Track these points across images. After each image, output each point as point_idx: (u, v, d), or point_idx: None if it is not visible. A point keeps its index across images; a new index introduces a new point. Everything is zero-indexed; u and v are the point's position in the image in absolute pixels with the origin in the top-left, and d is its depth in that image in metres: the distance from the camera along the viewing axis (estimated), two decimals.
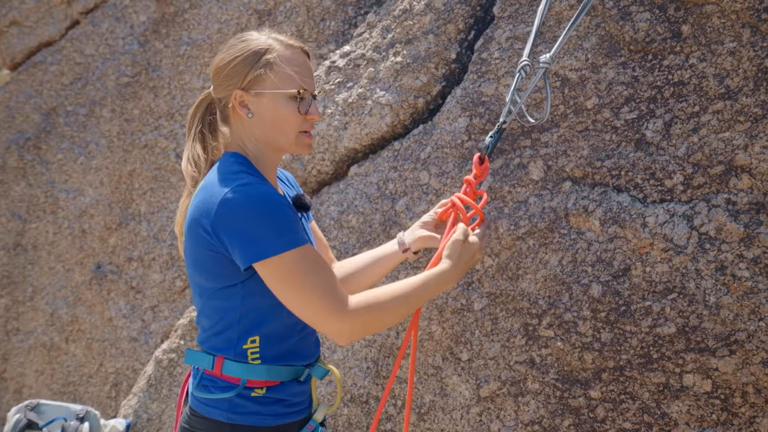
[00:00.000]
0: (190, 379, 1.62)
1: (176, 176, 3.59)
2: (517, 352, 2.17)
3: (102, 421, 3.18)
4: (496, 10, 2.37)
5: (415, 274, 2.39)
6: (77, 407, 3.17)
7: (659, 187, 2.00)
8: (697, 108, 1.96)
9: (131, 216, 3.73)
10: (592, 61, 2.14)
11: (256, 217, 1.39)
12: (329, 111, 2.68)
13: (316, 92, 1.58)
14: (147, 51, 3.80)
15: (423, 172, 2.42)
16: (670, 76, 2.01)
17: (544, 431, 2.12)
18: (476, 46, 2.39)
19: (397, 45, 2.55)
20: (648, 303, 1.97)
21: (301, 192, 1.72)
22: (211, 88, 1.59)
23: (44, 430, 3.09)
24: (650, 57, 2.05)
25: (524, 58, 1.81)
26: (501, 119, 1.79)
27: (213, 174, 1.48)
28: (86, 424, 3.09)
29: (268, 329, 1.51)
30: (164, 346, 3.14)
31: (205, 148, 1.59)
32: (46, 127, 4.17)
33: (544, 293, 2.13)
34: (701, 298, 1.90)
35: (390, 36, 2.59)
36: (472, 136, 2.33)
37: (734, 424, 1.87)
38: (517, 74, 1.81)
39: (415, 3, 2.55)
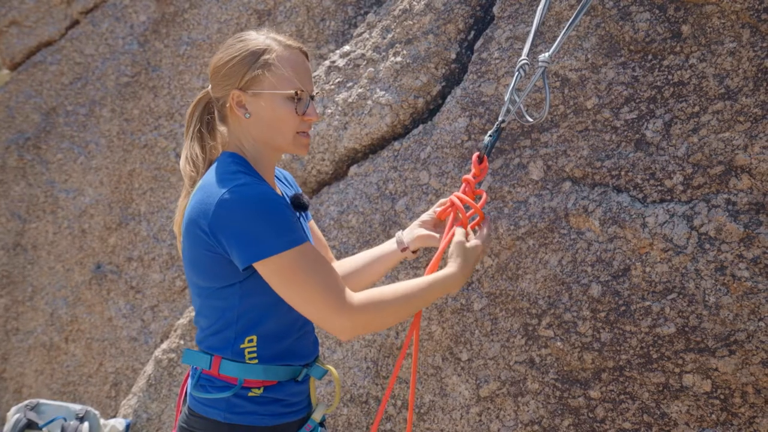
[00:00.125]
0: (189, 379, 1.62)
1: (176, 176, 3.59)
2: (516, 352, 2.17)
3: (102, 421, 3.18)
4: (495, 10, 2.37)
5: (415, 273, 2.39)
6: (77, 407, 3.17)
7: (659, 187, 2.00)
8: (697, 108, 1.96)
9: (131, 216, 3.73)
10: (592, 61, 2.14)
11: (255, 218, 1.39)
12: (329, 111, 2.68)
13: (314, 93, 1.57)
14: (147, 51, 3.80)
15: (423, 172, 2.42)
16: (670, 76, 2.01)
17: (544, 431, 2.12)
18: (476, 46, 2.39)
19: (397, 45, 2.55)
20: (648, 303, 1.97)
21: (300, 191, 1.72)
22: (209, 87, 1.59)
23: (44, 429, 3.09)
24: (650, 57, 2.05)
25: (523, 57, 1.81)
26: (500, 119, 1.79)
27: (211, 174, 1.48)
28: (86, 424, 3.09)
29: (266, 329, 1.51)
30: (164, 345, 3.14)
31: (203, 148, 1.58)
32: (46, 127, 4.17)
33: (543, 293, 2.13)
34: (701, 298, 1.90)
35: (390, 36, 2.59)
36: (472, 136, 2.33)
37: (734, 424, 1.87)
38: (516, 73, 1.81)
39: (414, 3, 2.55)
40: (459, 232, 1.66)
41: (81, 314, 3.86)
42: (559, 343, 2.09)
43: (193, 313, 3.10)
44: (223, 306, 1.49)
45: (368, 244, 2.51)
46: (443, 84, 2.50)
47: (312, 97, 1.56)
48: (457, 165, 2.34)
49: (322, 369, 1.61)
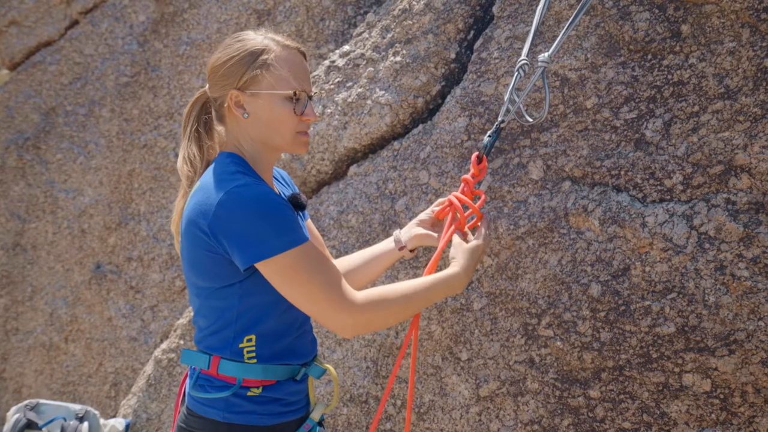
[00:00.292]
0: (187, 379, 1.62)
1: (175, 176, 3.59)
2: (516, 352, 2.17)
3: (101, 421, 3.18)
4: (495, 9, 2.37)
5: (415, 273, 2.39)
6: (77, 407, 3.16)
7: (659, 187, 2.00)
8: (696, 108, 1.96)
9: (131, 216, 3.73)
10: (591, 60, 2.14)
11: (255, 218, 1.39)
12: (329, 111, 2.68)
13: (312, 93, 1.57)
14: (146, 51, 3.80)
15: (422, 171, 2.42)
16: (669, 76, 2.01)
17: (544, 431, 2.12)
18: (476, 46, 2.39)
19: (397, 45, 2.55)
20: (647, 303, 1.97)
21: (297, 191, 1.72)
22: (207, 86, 1.59)
23: (44, 429, 3.09)
24: (650, 57, 2.05)
25: (523, 57, 1.81)
26: (499, 118, 1.79)
27: (209, 175, 1.47)
28: (86, 424, 3.09)
29: (265, 328, 1.51)
30: (163, 345, 3.14)
31: (200, 148, 1.58)
32: (46, 127, 4.17)
33: (543, 293, 2.13)
34: (701, 297, 1.90)
35: (389, 36, 2.59)
36: (472, 136, 2.33)
37: (733, 423, 1.87)
38: (516, 73, 1.81)
39: (414, 3, 2.55)
40: (458, 233, 1.67)
41: (81, 314, 3.86)
42: (558, 343, 2.09)
43: (193, 313, 3.10)
44: (223, 306, 1.49)
45: (368, 243, 2.51)
46: (443, 84, 2.50)
47: (310, 97, 1.56)
48: (457, 165, 2.34)
49: (320, 368, 1.61)
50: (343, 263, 1.83)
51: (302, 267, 1.41)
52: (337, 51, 2.77)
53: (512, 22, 2.31)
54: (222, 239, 1.41)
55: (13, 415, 3.11)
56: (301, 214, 1.69)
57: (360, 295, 1.46)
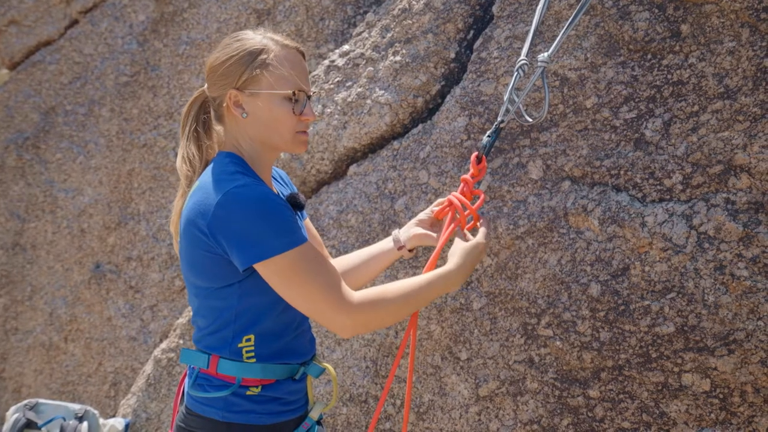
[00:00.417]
0: (186, 378, 1.62)
1: (175, 176, 3.59)
2: (516, 352, 2.17)
3: (101, 421, 3.18)
4: (495, 9, 2.37)
5: (414, 272, 2.39)
6: (76, 406, 3.16)
7: (658, 187, 2.00)
8: (696, 107, 1.96)
9: (130, 215, 3.73)
10: (591, 60, 2.14)
11: (255, 219, 1.39)
12: (328, 110, 2.68)
13: (311, 93, 1.57)
14: (146, 50, 3.80)
15: (422, 171, 2.42)
16: (669, 76, 2.01)
17: (543, 430, 2.12)
18: (475, 46, 2.39)
19: (397, 44, 2.55)
20: (647, 302, 1.97)
21: (296, 190, 1.72)
22: (206, 86, 1.58)
23: (43, 429, 3.08)
24: (649, 56, 2.05)
25: (522, 57, 1.81)
26: (499, 118, 1.79)
27: (208, 175, 1.47)
28: (85, 424, 3.09)
29: (263, 328, 1.51)
30: (163, 345, 3.14)
31: (199, 147, 1.58)
32: (45, 127, 4.16)
33: (543, 293, 2.13)
34: (700, 297, 1.90)
35: (389, 35, 2.59)
36: (471, 136, 2.33)
37: (733, 423, 1.87)
38: (516, 73, 1.81)
39: (414, 2, 2.55)
40: (458, 232, 1.67)
41: (80, 314, 3.86)
42: (558, 343, 2.09)
43: (192, 313, 3.10)
44: (222, 306, 1.49)
45: (367, 243, 2.51)
46: (442, 83, 2.49)
47: (309, 97, 1.56)
48: (457, 164, 2.34)
49: (319, 367, 1.61)
50: (341, 263, 1.83)
51: (301, 268, 1.41)
52: (337, 51, 2.77)
53: (512, 21, 2.31)
54: (221, 239, 1.41)
55: (12, 415, 3.11)
56: (299, 213, 1.69)
57: (358, 295, 1.46)
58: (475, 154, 1.78)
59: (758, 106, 1.87)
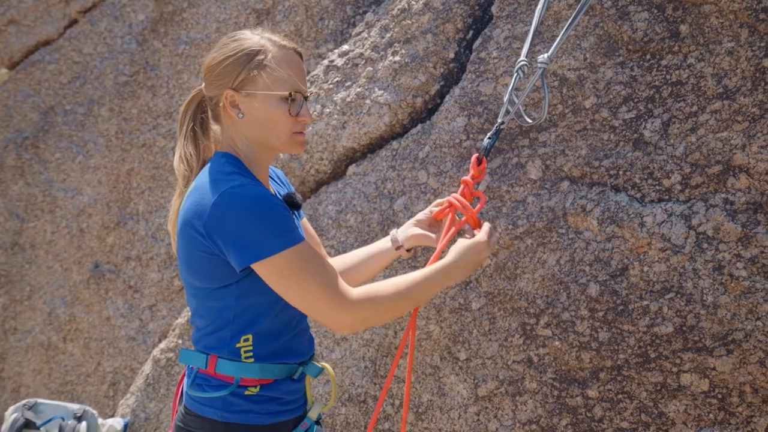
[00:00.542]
0: (185, 378, 1.62)
1: (174, 175, 3.58)
2: (514, 352, 2.17)
3: (100, 421, 3.18)
4: (494, 9, 2.37)
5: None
6: (75, 406, 3.16)
7: (657, 187, 2.00)
8: (695, 108, 1.96)
9: (129, 215, 3.73)
10: (590, 60, 2.14)
11: (251, 219, 1.39)
12: (327, 110, 2.68)
13: (308, 94, 1.57)
14: (145, 50, 3.80)
15: (421, 171, 2.42)
16: (668, 76, 2.01)
17: (542, 430, 2.12)
18: (474, 46, 2.39)
19: (396, 44, 2.55)
20: (645, 302, 1.97)
21: (293, 190, 1.72)
22: (203, 85, 1.58)
23: (42, 429, 3.08)
24: (648, 57, 2.05)
25: (522, 58, 1.81)
26: (499, 120, 1.79)
27: (205, 175, 1.47)
28: (84, 424, 3.09)
29: (262, 328, 1.51)
30: (162, 345, 3.14)
31: (197, 147, 1.58)
32: (44, 126, 4.16)
33: (542, 293, 2.13)
34: (699, 297, 1.90)
35: (388, 35, 2.59)
36: (471, 136, 2.33)
37: (731, 423, 1.87)
38: (515, 74, 1.81)
39: (413, 2, 2.55)
40: (466, 230, 1.66)
41: (79, 314, 3.86)
42: (557, 343, 2.09)
43: (190, 314, 3.10)
44: (220, 306, 1.49)
45: (366, 243, 2.51)
46: (442, 83, 2.50)
47: (306, 98, 1.55)
48: (456, 164, 2.34)
49: (318, 367, 1.61)
50: (339, 262, 1.83)
51: (298, 267, 1.41)
52: (336, 50, 2.77)
53: (511, 21, 2.31)
54: (217, 240, 1.41)
55: (11, 415, 3.10)
56: (296, 213, 1.68)
57: (356, 292, 1.46)
58: (475, 155, 1.78)
59: (757, 107, 1.88)
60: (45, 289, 4.03)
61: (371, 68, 2.59)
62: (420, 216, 1.81)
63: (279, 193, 1.68)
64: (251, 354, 1.50)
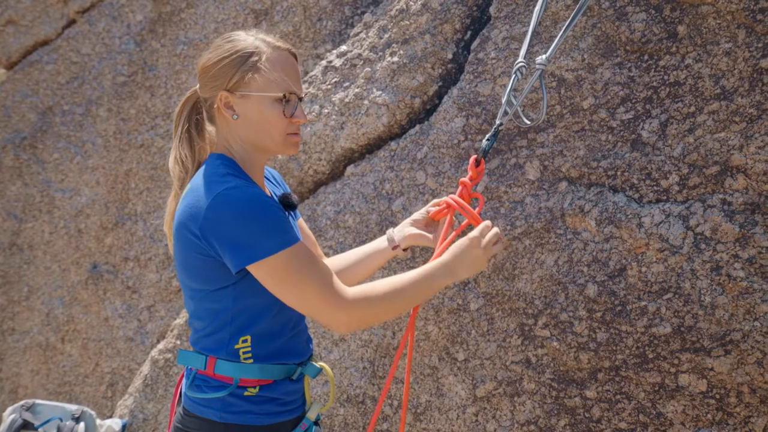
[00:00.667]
0: (184, 379, 1.62)
1: None
2: (513, 352, 2.18)
3: (98, 421, 3.17)
4: (492, 10, 2.37)
5: None
6: (73, 407, 3.16)
7: (655, 188, 2.00)
8: (692, 108, 1.97)
9: (127, 216, 3.73)
10: (588, 61, 2.14)
11: (246, 220, 1.38)
12: (326, 111, 2.68)
13: (303, 95, 1.57)
14: (143, 50, 3.80)
15: (419, 172, 2.42)
16: (666, 77, 2.01)
17: (540, 431, 2.12)
18: (473, 46, 2.40)
19: (394, 45, 2.55)
20: (644, 303, 1.97)
21: (288, 190, 1.71)
22: (198, 86, 1.58)
23: (40, 430, 3.08)
24: (646, 57, 2.05)
25: (520, 59, 1.81)
26: (497, 121, 1.79)
27: (199, 177, 1.47)
28: (82, 424, 3.09)
29: (260, 329, 1.51)
30: (160, 346, 3.14)
31: (192, 148, 1.58)
32: (43, 127, 4.16)
33: (540, 293, 2.13)
34: (697, 298, 1.90)
35: (387, 36, 2.59)
36: (469, 136, 2.33)
37: (729, 423, 1.88)
38: (513, 75, 1.81)
39: (411, 3, 2.55)
40: (468, 228, 1.66)
41: (77, 314, 3.85)
42: (555, 343, 2.10)
43: (188, 315, 3.10)
44: (217, 308, 1.49)
45: (365, 244, 2.51)
46: (440, 84, 2.50)
47: (300, 99, 1.55)
48: (454, 165, 2.34)
49: (316, 367, 1.61)
50: (335, 262, 1.83)
51: (294, 268, 1.41)
52: (335, 51, 2.77)
53: (509, 22, 2.31)
54: (213, 242, 1.40)
55: (9, 416, 3.10)
56: (292, 213, 1.68)
57: (352, 291, 1.46)
58: (473, 157, 1.78)
59: (754, 107, 1.88)
60: (43, 289, 4.03)
61: (369, 69, 2.59)
62: (416, 216, 1.81)
63: (275, 194, 1.68)
64: (250, 355, 1.50)
